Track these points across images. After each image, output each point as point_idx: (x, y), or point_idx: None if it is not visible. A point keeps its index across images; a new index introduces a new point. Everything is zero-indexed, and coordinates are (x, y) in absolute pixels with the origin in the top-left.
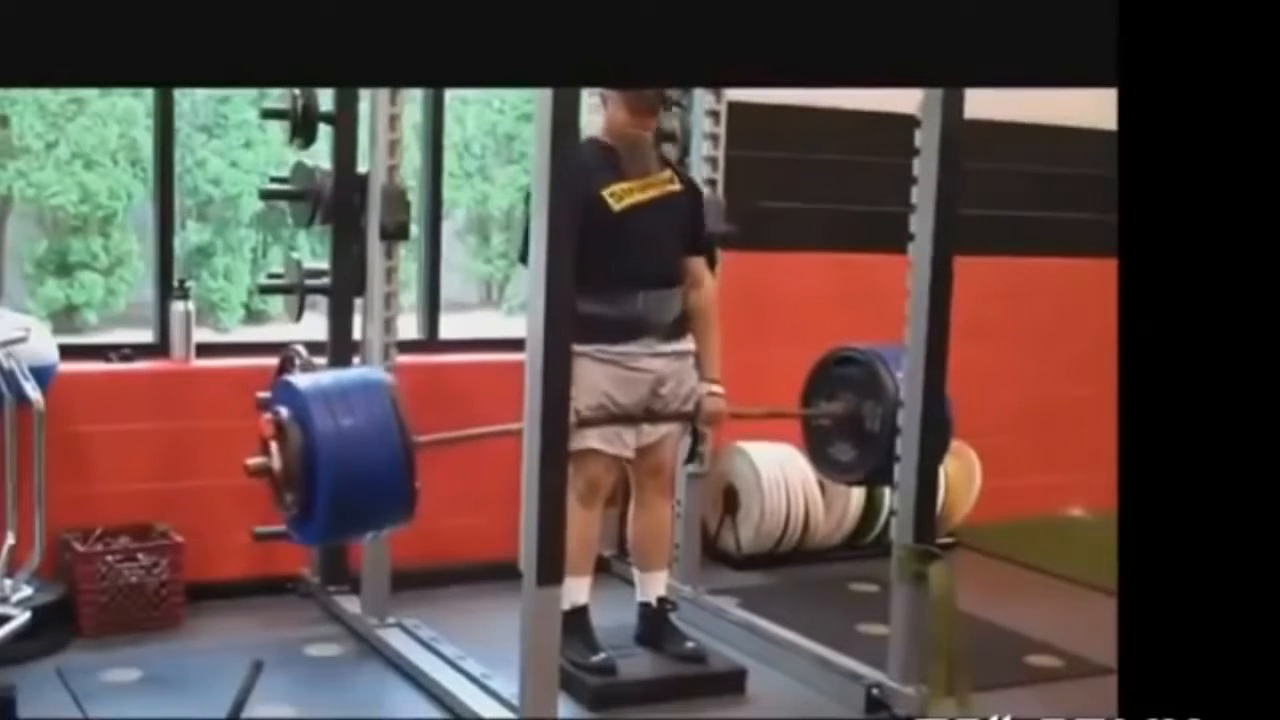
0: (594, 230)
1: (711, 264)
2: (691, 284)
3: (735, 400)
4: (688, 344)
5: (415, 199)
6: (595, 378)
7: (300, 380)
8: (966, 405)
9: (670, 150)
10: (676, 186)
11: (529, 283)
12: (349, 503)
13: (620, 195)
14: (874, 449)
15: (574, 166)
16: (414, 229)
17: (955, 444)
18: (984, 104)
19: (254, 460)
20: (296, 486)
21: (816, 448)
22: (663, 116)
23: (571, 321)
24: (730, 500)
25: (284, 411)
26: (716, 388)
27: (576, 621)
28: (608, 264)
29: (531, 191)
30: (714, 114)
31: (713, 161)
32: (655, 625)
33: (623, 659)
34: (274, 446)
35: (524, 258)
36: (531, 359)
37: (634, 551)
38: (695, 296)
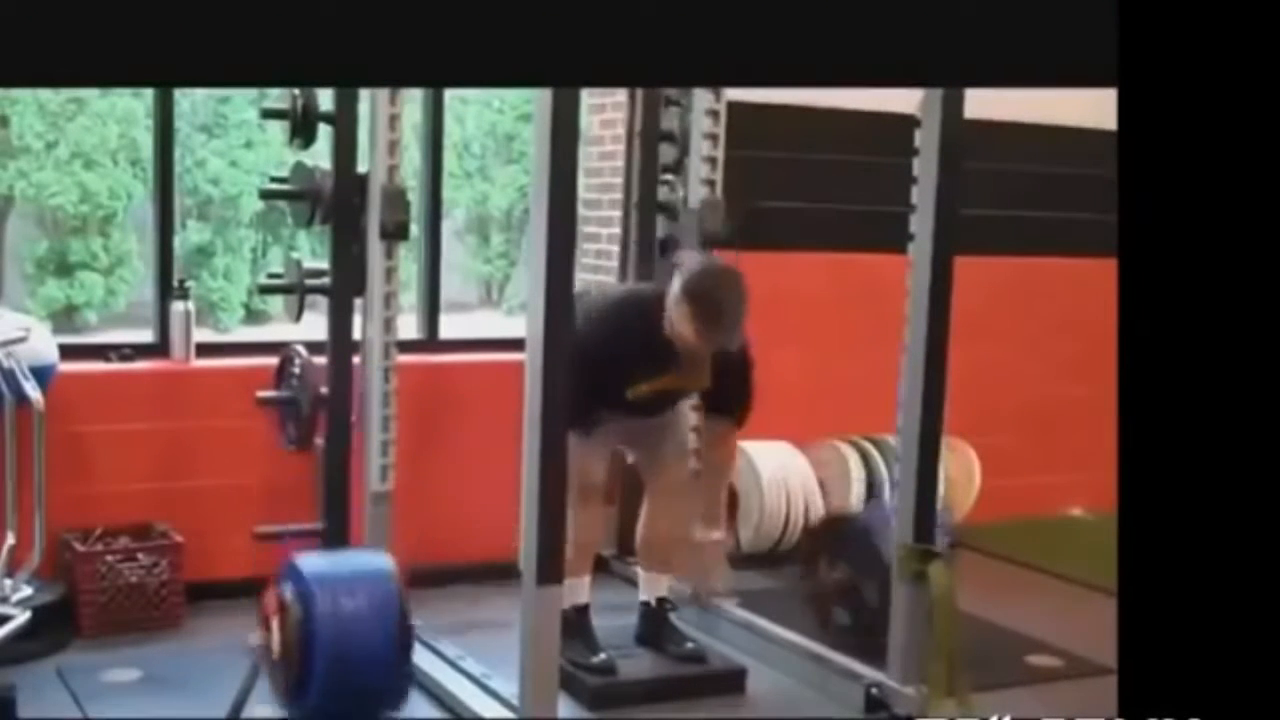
0: (593, 402)
1: (742, 419)
2: (714, 443)
3: None
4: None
5: (415, 199)
6: None
7: (306, 563)
8: (967, 405)
9: (669, 150)
10: (706, 383)
11: (529, 283)
12: (342, 690)
13: (640, 390)
14: (871, 621)
15: (622, 335)
16: (414, 229)
17: (955, 442)
18: (984, 104)
19: (254, 637)
20: (291, 666)
21: (817, 604)
22: (662, 115)
23: None
24: (730, 500)
25: (288, 591)
26: (717, 535)
27: (577, 621)
28: (596, 415)
29: (530, 193)
30: (713, 113)
31: (712, 161)
32: (655, 625)
33: (623, 659)
34: (274, 623)
35: None
36: (531, 359)
37: (640, 551)
38: (714, 456)
